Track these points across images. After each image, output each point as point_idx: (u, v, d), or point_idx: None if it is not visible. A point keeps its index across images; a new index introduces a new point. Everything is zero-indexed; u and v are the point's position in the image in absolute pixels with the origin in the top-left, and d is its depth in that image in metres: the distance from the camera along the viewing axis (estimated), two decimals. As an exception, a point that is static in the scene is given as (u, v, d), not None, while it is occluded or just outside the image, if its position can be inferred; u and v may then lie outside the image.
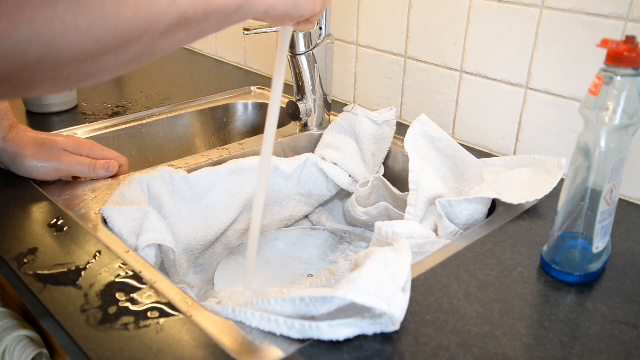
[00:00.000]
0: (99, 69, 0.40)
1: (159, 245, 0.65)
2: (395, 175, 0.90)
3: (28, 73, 0.37)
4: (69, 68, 0.38)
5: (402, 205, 0.79)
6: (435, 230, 0.71)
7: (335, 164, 0.86)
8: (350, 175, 0.86)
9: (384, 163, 0.90)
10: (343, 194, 0.91)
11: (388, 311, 0.45)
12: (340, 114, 0.89)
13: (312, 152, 0.91)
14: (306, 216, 0.92)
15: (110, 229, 0.65)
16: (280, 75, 0.61)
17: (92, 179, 0.76)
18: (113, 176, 0.77)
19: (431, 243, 0.66)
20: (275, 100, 0.61)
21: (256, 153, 0.88)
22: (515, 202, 0.68)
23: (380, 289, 0.45)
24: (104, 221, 0.66)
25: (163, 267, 0.69)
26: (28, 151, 0.73)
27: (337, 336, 0.47)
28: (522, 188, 0.72)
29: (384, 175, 0.88)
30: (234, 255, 0.79)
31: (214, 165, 0.82)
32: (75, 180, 0.77)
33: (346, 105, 1.06)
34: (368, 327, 0.48)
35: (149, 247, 0.63)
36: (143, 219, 0.66)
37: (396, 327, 0.49)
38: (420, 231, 0.67)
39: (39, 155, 0.73)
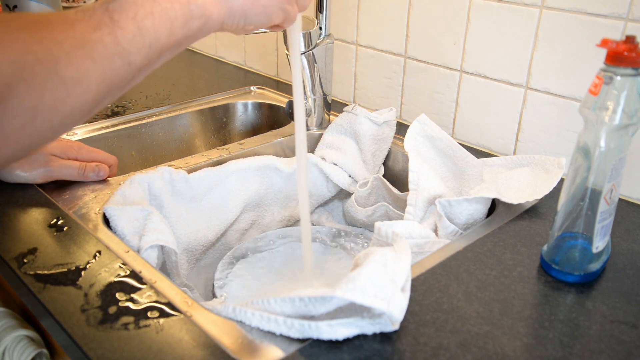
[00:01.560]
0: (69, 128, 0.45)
1: (161, 247, 0.65)
2: (396, 176, 0.90)
3: (10, 163, 0.45)
4: (43, 146, 0.45)
5: (402, 205, 0.79)
6: (435, 231, 0.71)
7: (336, 165, 0.86)
8: (350, 176, 0.86)
9: (384, 163, 0.90)
10: (343, 195, 0.91)
11: (387, 311, 0.45)
12: (341, 114, 0.89)
13: (312, 152, 0.91)
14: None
15: (113, 229, 0.65)
16: (297, 70, 0.64)
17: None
18: (104, 180, 0.76)
19: (431, 243, 0.66)
20: (298, 92, 0.64)
21: (256, 153, 0.88)
22: (515, 202, 0.68)
23: (379, 288, 0.45)
24: (105, 221, 0.66)
25: (164, 268, 0.68)
26: None
27: (337, 336, 0.47)
28: (522, 188, 0.72)
29: (384, 175, 0.88)
30: (234, 255, 0.79)
31: (214, 165, 0.82)
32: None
33: (346, 105, 1.06)
34: (367, 327, 0.48)
35: (151, 248, 0.63)
36: (146, 219, 0.66)
37: (396, 327, 0.49)
38: (420, 231, 0.67)
39: (26, 163, 0.72)
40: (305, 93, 0.91)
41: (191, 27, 0.48)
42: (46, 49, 0.39)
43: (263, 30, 0.62)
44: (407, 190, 0.75)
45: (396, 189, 0.81)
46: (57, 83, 0.40)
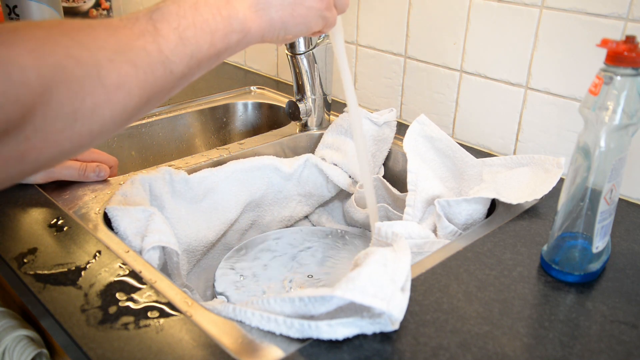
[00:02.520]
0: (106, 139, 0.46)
1: (162, 248, 0.65)
2: (396, 176, 0.90)
3: (47, 168, 0.45)
4: (82, 152, 0.46)
5: (402, 205, 0.79)
6: (435, 231, 0.71)
7: (336, 165, 0.86)
8: (350, 176, 0.86)
9: (384, 164, 0.90)
10: (343, 195, 0.91)
11: (387, 311, 0.45)
12: (341, 114, 0.89)
13: (312, 152, 0.91)
14: (306, 217, 0.92)
15: (115, 229, 0.64)
16: (346, 71, 0.66)
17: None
18: (104, 180, 0.76)
19: (430, 243, 0.66)
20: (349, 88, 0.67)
21: (256, 153, 0.88)
22: (514, 202, 0.68)
23: (379, 288, 0.45)
24: (105, 221, 0.66)
25: (164, 269, 0.68)
26: None
27: (337, 336, 0.47)
28: (521, 188, 0.72)
29: (384, 176, 0.88)
30: (234, 255, 0.79)
31: (214, 165, 0.82)
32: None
33: (346, 105, 1.06)
34: (367, 327, 0.48)
35: (153, 249, 0.63)
36: (148, 220, 0.66)
37: (395, 327, 0.49)
38: (420, 231, 0.67)
39: None
40: (305, 93, 0.91)
41: (231, 40, 0.48)
42: (88, 53, 0.40)
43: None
44: (407, 190, 0.75)
45: (396, 190, 0.81)
46: (98, 88, 0.40)
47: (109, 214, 0.66)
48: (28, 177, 0.42)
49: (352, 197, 0.85)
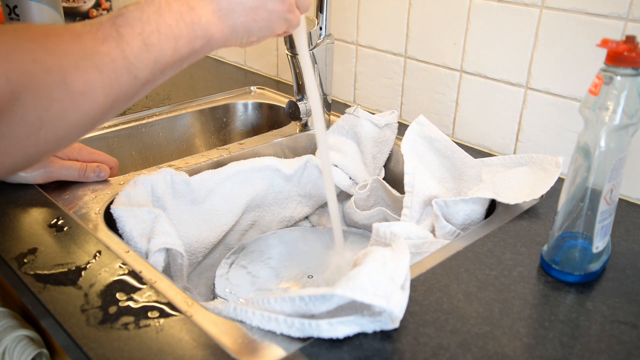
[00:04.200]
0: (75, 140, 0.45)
1: (167, 250, 0.65)
2: (397, 178, 0.90)
3: (10, 174, 0.45)
4: (47, 157, 0.44)
5: (401, 207, 0.78)
6: (433, 231, 0.71)
7: (336, 166, 0.86)
8: (350, 178, 0.86)
9: (385, 165, 0.89)
10: (344, 196, 0.91)
11: (387, 308, 0.45)
12: (342, 116, 0.89)
13: (312, 152, 0.91)
14: (306, 217, 0.92)
15: (120, 230, 0.64)
16: (309, 72, 0.67)
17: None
18: (104, 180, 0.76)
19: (429, 243, 0.66)
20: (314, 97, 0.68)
21: (256, 153, 0.88)
22: (512, 202, 0.68)
23: (379, 286, 0.46)
24: (105, 221, 0.66)
25: (167, 271, 0.68)
26: None
27: (337, 334, 0.47)
28: (520, 188, 0.72)
29: (385, 177, 0.88)
30: (234, 256, 0.79)
31: (214, 165, 0.82)
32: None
33: (346, 105, 1.06)
34: (368, 325, 0.48)
35: (159, 251, 0.63)
36: (154, 222, 0.65)
37: (396, 325, 0.49)
38: (418, 232, 0.67)
39: None
40: (305, 93, 0.91)
41: (195, 46, 0.48)
42: (55, 59, 0.40)
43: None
44: (406, 192, 0.75)
45: (395, 191, 0.81)
46: (65, 94, 0.40)
47: (114, 215, 0.65)
48: None
49: (352, 198, 0.85)
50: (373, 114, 0.89)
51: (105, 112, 0.44)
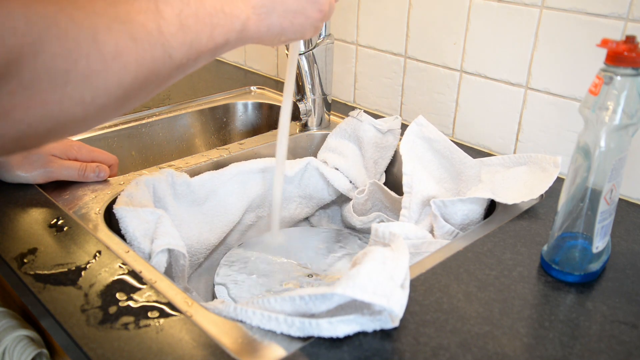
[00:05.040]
0: (100, 122, 0.43)
1: (169, 250, 0.65)
2: (399, 183, 0.89)
3: (37, 140, 0.40)
4: (73, 130, 0.41)
5: (400, 208, 0.78)
6: (432, 231, 0.71)
7: (337, 169, 0.86)
8: (350, 181, 0.86)
9: (388, 170, 0.89)
10: (344, 199, 0.91)
11: (388, 307, 0.45)
12: (346, 118, 0.89)
13: (312, 152, 0.91)
14: (307, 219, 0.92)
15: (124, 230, 0.64)
16: (291, 83, 0.68)
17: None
18: (104, 180, 0.75)
19: (427, 243, 0.66)
20: (286, 106, 0.68)
21: (256, 153, 0.88)
22: (510, 202, 0.68)
23: (379, 285, 0.46)
24: (105, 221, 0.66)
25: (168, 272, 0.68)
26: (14, 160, 0.71)
27: (337, 333, 0.47)
28: (518, 188, 0.71)
29: (387, 182, 0.87)
30: (234, 256, 0.79)
31: (214, 165, 0.82)
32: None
33: (346, 105, 1.06)
34: (368, 324, 0.48)
35: (162, 252, 0.63)
36: (157, 222, 0.65)
37: (396, 323, 0.49)
38: (417, 232, 0.67)
39: (26, 163, 0.71)
40: (305, 93, 0.91)
41: (230, 38, 0.48)
42: (84, 15, 0.38)
43: None
44: (404, 193, 0.75)
45: (393, 193, 0.80)
46: (94, 52, 0.38)
47: (117, 215, 0.65)
48: (11, 151, 0.40)
49: (350, 203, 0.84)
50: (375, 116, 0.89)
51: (135, 88, 0.41)
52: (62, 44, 0.36)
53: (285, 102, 0.69)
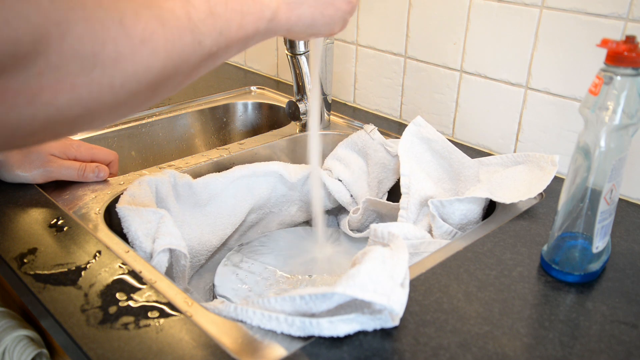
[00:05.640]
0: (130, 111, 0.42)
1: (171, 250, 0.65)
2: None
3: (67, 127, 0.39)
4: (104, 118, 0.40)
5: (396, 215, 0.78)
6: (430, 231, 0.71)
7: (340, 181, 0.86)
8: (351, 195, 0.86)
9: (392, 191, 0.87)
10: (344, 209, 0.90)
11: (388, 305, 0.45)
12: (358, 132, 0.87)
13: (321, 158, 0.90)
14: (306, 222, 0.92)
15: (126, 229, 0.64)
16: (316, 87, 0.70)
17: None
18: (104, 180, 0.75)
19: (426, 243, 0.66)
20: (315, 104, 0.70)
21: (256, 153, 0.88)
22: (507, 201, 0.68)
23: (379, 284, 0.46)
24: (105, 221, 0.66)
25: (169, 272, 0.68)
26: (14, 159, 0.71)
27: (338, 332, 0.47)
28: (516, 187, 0.71)
29: (393, 193, 0.86)
30: (234, 256, 0.79)
31: (214, 165, 0.82)
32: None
33: (346, 105, 1.06)
34: (368, 323, 0.48)
35: (164, 252, 0.63)
36: (159, 222, 0.65)
37: (396, 322, 0.49)
38: (415, 232, 0.67)
39: (25, 162, 0.71)
40: (305, 93, 0.91)
41: (259, 27, 0.48)
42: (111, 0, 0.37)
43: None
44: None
45: (388, 201, 0.79)
46: (122, 35, 0.37)
47: (119, 214, 0.65)
48: (42, 138, 0.39)
49: (346, 219, 0.84)
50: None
51: (165, 75, 0.41)
52: (89, 25, 0.35)
53: (313, 111, 0.69)
